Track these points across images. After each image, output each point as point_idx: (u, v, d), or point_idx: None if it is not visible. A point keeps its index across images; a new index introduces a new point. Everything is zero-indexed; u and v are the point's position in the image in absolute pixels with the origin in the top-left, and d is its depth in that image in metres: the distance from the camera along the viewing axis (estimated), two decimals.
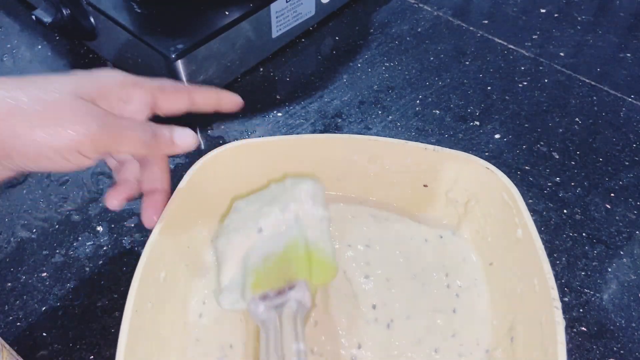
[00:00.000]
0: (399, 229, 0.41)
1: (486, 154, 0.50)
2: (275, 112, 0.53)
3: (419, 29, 0.63)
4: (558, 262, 0.43)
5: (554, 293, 0.30)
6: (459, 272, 0.38)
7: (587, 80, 0.58)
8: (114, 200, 0.34)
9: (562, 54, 0.60)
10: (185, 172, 0.38)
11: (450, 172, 0.39)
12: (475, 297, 0.37)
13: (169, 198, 0.36)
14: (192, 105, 0.35)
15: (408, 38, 0.62)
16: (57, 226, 0.44)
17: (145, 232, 0.43)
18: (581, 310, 0.40)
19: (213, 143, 0.50)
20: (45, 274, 0.41)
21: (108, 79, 0.31)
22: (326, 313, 0.36)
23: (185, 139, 0.33)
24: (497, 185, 0.37)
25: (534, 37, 0.63)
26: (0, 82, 0.28)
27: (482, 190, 0.38)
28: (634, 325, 0.39)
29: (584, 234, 0.44)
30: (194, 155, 0.49)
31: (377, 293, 0.37)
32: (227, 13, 0.52)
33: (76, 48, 0.59)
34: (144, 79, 0.33)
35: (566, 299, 0.40)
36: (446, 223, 0.41)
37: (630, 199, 0.47)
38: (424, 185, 0.41)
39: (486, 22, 0.64)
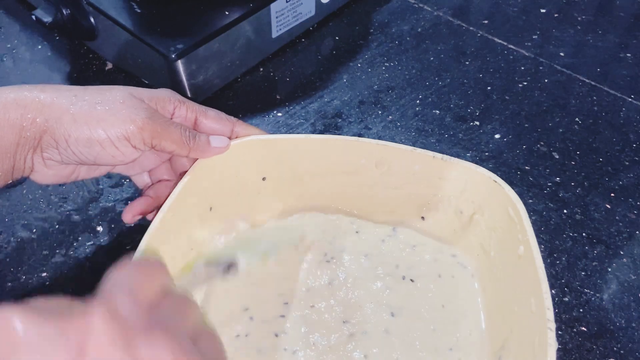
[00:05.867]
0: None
1: (486, 154, 0.50)
2: (275, 112, 0.53)
3: (419, 29, 0.63)
4: (558, 262, 0.43)
5: (550, 314, 0.30)
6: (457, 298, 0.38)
7: (587, 80, 0.58)
8: (128, 214, 0.37)
9: (562, 54, 0.60)
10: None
11: (457, 182, 0.39)
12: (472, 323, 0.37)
13: (155, 207, 0.39)
14: (232, 135, 0.39)
15: (408, 38, 0.62)
16: (57, 226, 0.44)
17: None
18: (581, 310, 0.40)
19: None
20: (45, 274, 0.41)
21: (160, 92, 0.36)
22: None
23: (220, 142, 0.37)
24: (503, 199, 0.36)
25: (534, 37, 0.63)
26: (69, 89, 0.33)
27: (488, 203, 0.38)
28: (634, 325, 0.39)
29: (584, 234, 0.44)
30: None
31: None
32: (227, 13, 0.52)
33: (76, 48, 0.59)
34: (191, 101, 0.37)
35: (566, 299, 0.40)
36: (450, 234, 0.41)
37: (630, 199, 0.47)
38: (431, 194, 0.40)
39: (486, 22, 0.64)
